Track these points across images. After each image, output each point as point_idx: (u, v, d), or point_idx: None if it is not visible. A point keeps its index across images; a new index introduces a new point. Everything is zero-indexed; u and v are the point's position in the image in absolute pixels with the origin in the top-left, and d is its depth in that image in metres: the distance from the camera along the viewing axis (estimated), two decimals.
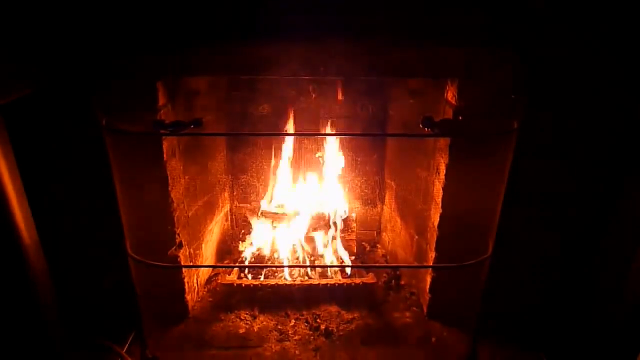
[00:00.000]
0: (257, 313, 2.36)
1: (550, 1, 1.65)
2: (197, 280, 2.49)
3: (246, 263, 2.58)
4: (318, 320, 2.31)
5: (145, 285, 1.87)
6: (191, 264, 2.39)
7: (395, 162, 2.73)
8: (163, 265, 2.04)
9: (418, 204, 2.42)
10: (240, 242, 2.75)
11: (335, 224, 2.66)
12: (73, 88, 1.77)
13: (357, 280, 2.43)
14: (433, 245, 2.18)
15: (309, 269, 2.54)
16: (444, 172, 2.02)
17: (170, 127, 1.62)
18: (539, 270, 2.21)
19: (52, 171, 1.97)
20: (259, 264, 2.58)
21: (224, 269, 2.69)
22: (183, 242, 2.22)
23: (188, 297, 2.34)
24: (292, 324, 2.30)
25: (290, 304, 2.39)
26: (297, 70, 1.79)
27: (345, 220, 2.73)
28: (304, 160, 2.75)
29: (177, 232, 2.16)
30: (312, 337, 2.21)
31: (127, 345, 2.06)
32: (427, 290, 2.30)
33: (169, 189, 2.05)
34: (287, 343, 2.18)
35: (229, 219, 3.00)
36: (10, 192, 1.51)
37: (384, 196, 2.93)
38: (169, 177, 2.03)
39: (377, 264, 2.86)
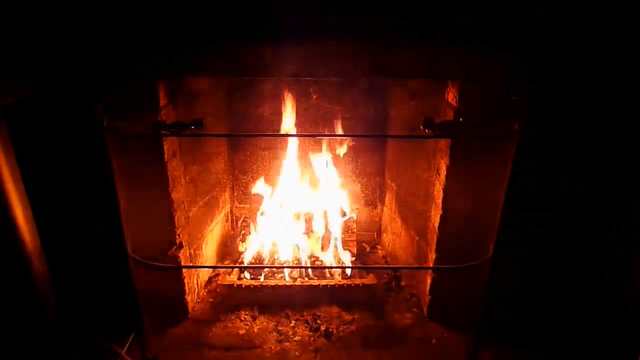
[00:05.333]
0: (257, 314, 2.36)
1: (550, 8, 1.65)
2: (197, 280, 2.49)
3: (246, 264, 2.58)
4: (318, 321, 2.31)
5: (145, 286, 1.86)
6: (191, 264, 2.39)
7: (396, 163, 2.73)
8: (163, 265, 2.05)
9: (418, 205, 2.42)
10: (240, 242, 2.75)
11: (336, 225, 2.67)
12: (74, 89, 1.78)
13: (358, 281, 2.43)
14: (433, 247, 2.18)
15: (309, 269, 2.53)
16: (445, 173, 2.02)
17: (171, 127, 1.62)
18: (540, 270, 2.21)
19: (53, 172, 1.97)
20: (259, 264, 2.58)
21: (224, 269, 2.69)
22: (183, 243, 2.22)
23: (188, 297, 2.34)
24: (292, 325, 2.30)
25: (290, 304, 2.39)
26: (298, 71, 1.79)
27: (346, 222, 2.73)
28: (305, 160, 2.75)
29: (178, 232, 2.16)
30: (312, 338, 2.21)
31: (127, 345, 2.06)
32: (428, 291, 2.30)
33: (170, 189, 2.05)
34: (287, 344, 2.18)
35: (230, 219, 3.00)
36: (12, 193, 1.52)
37: (385, 197, 2.93)
38: (170, 178, 2.04)
39: (378, 265, 2.86)
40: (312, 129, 2.67)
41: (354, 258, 2.68)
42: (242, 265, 2.60)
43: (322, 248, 2.62)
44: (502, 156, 1.64)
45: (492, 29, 1.67)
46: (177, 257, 2.18)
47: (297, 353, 2.13)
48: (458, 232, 2.07)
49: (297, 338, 2.21)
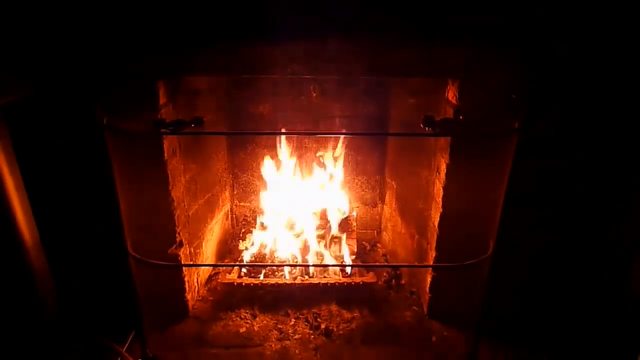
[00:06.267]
0: (257, 312, 2.36)
1: (550, 8, 1.65)
2: (197, 279, 2.49)
3: (246, 262, 2.58)
4: (318, 319, 2.31)
5: (145, 284, 1.87)
6: (191, 262, 2.39)
7: (396, 161, 2.73)
8: (163, 264, 2.05)
9: (418, 204, 2.42)
10: (240, 241, 2.75)
11: (335, 223, 2.67)
12: (74, 88, 1.77)
13: (358, 280, 2.43)
14: (433, 245, 2.18)
15: (309, 268, 2.54)
16: (445, 171, 2.02)
17: (171, 126, 1.62)
18: (539, 270, 2.21)
19: (53, 170, 1.97)
20: (260, 263, 2.58)
21: (224, 268, 2.69)
22: (183, 241, 2.23)
23: (188, 296, 2.34)
24: (292, 323, 2.30)
25: (290, 303, 2.40)
26: (298, 70, 1.79)
27: (346, 220, 2.73)
28: (305, 159, 2.75)
29: (178, 231, 2.16)
30: (312, 336, 2.22)
31: (127, 344, 2.06)
32: (428, 289, 2.30)
33: (170, 188, 2.05)
34: (288, 342, 2.18)
35: (230, 217, 3.00)
36: (11, 192, 1.52)
37: (385, 195, 2.93)
38: (170, 176, 2.04)
39: (378, 263, 2.86)
40: (311, 127, 2.66)
41: (354, 256, 2.68)
42: (243, 263, 2.60)
43: (322, 246, 2.62)
44: (502, 155, 1.64)
45: (492, 28, 1.67)
46: (178, 255, 2.18)
47: (297, 351, 2.13)
48: (458, 230, 2.08)
49: (297, 336, 2.22)
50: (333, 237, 2.65)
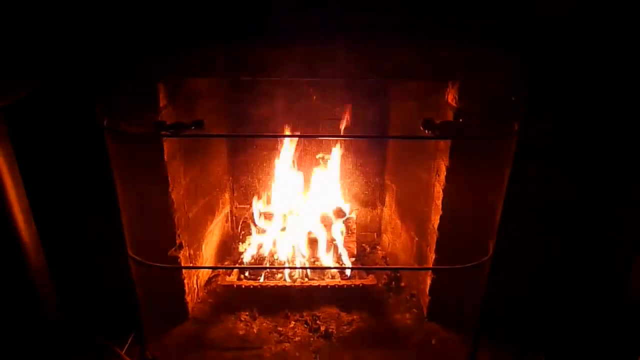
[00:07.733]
0: (256, 314, 2.35)
1: (550, 8, 1.66)
2: (197, 281, 2.49)
3: (246, 264, 2.57)
4: (318, 321, 2.31)
5: (145, 286, 1.87)
6: (191, 265, 2.39)
7: (396, 163, 2.73)
8: (163, 266, 2.04)
9: (418, 206, 2.42)
10: (240, 243, 2.74)
11: (335, 225, 2.66)
12: (74, 89, 1.77)
13: (357, 282, 2.43)
14: (433, 247, 2.18)
15: (308, 270, 2.53)
16: (444, 174, 2.02)
17: (171, 128, 1.62)
18: (539, 271, 2.21)
19: (53, 172, 1.97)
20: (259, 265, 2.58)
21: (224, 270, 2.69)
22: (183, 243, 2.22)
23: (188, 298, 2.34)
24: (291, 325, 2.30)
25: (290, 305, 2.39)
26: (298, 72, 1.79)
27: (346, 222, 2.73)
28: (305, 161, 2.75)
29: (178, 233, 2.16)
30: (311, 339, 2.21)
31: (126, 345, 2.06)
32: (428, 292, 2.30)
33: (170, 190, 2.05)
34: (287, 344, 2.18)
35: (229, 220, 2.99)
36: (11, 192, 1.52)
37: (384, 198, 2.93)
38: (170, 179, 2.04)
39: (377, 266, 2.86)
40: (311, 130, 2.67)
41: (353, 259, 2.68)
42: (242, 266, 2.60)
43: (322, 249, 2.62)
44: (502, 156, 1.64)
45: (492, 29, 1.67)
46: (177, 257, 2.18)
47: (296, 353, 2.12)
48: (458, 232, 2.07)
49: (296, 339, 2.21)
50: (332, 239, 2.64)
